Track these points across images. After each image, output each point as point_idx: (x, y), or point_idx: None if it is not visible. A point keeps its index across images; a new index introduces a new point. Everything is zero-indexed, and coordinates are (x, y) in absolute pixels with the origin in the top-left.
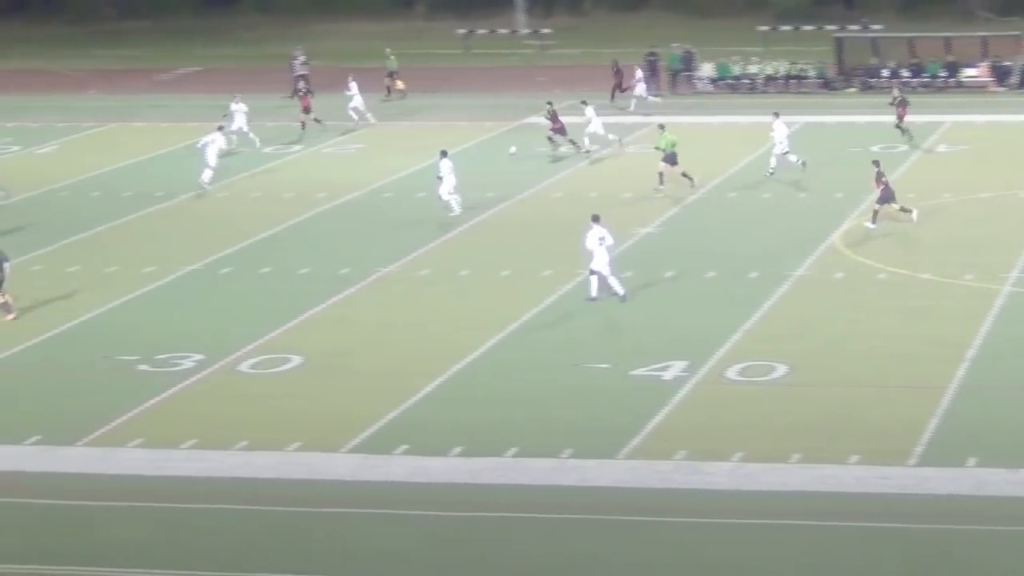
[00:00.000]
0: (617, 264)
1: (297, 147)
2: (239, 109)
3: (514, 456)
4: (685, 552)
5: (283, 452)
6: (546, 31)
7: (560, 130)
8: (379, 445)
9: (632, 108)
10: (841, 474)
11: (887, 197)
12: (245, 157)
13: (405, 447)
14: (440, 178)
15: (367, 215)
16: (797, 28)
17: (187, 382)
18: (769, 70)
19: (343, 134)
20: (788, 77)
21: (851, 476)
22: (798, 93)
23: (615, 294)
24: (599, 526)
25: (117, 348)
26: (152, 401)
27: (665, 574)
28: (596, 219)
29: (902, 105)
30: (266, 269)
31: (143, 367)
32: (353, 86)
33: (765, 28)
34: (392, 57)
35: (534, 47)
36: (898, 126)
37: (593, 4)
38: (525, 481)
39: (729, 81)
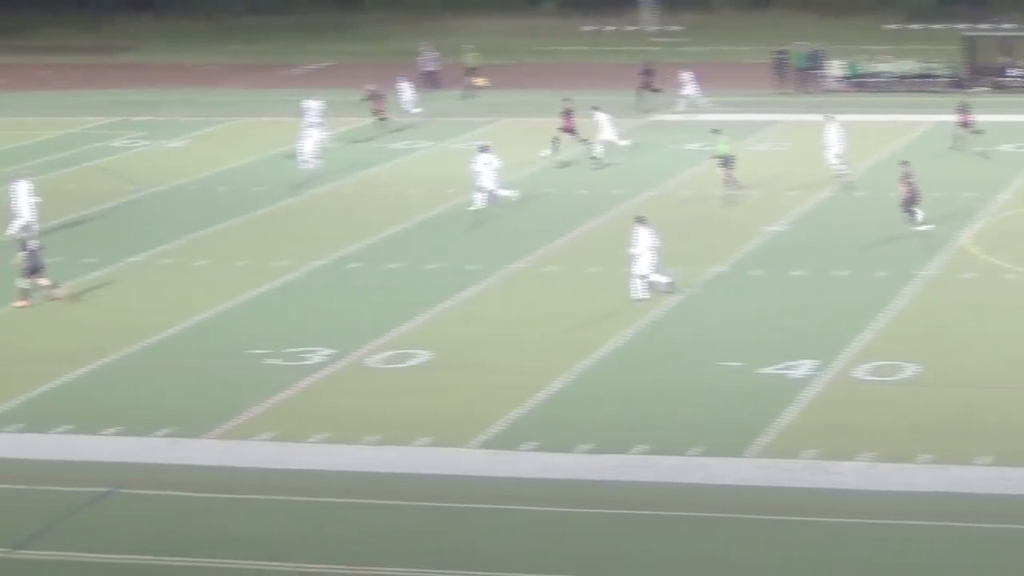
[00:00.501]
0: (746, 262)
1: (427, 142)
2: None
3: (641, 453)
4: (812, 551)
5: (411, 447)
6: (674, 28)
7: (570, 130)
8: (507, 441)
9: (681, 107)
10: (970, 475)
11: (911, 200)
12: (375, 151)
13: (533, 443)
14: (477, 172)
15: (495, 211)
16: (926, 27)
17: (316, 376)
18: (897, 69)
19: (395, 131)
20: (917, 76)
21: (980, 477)
22: (927, 92)
23: (664, 289)
24: (725, 524)
25: (246, 342)
26: (281, 395)
27: (791, 573)
28: (642, 220)
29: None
30: (395, 264)
31: (273, 361)
32: (403, 85)
33: (894, 26)
34: (471, 54)
35: (661, 44)
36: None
37: (721, 1)
38: (652, 479)
39: (857, 80)
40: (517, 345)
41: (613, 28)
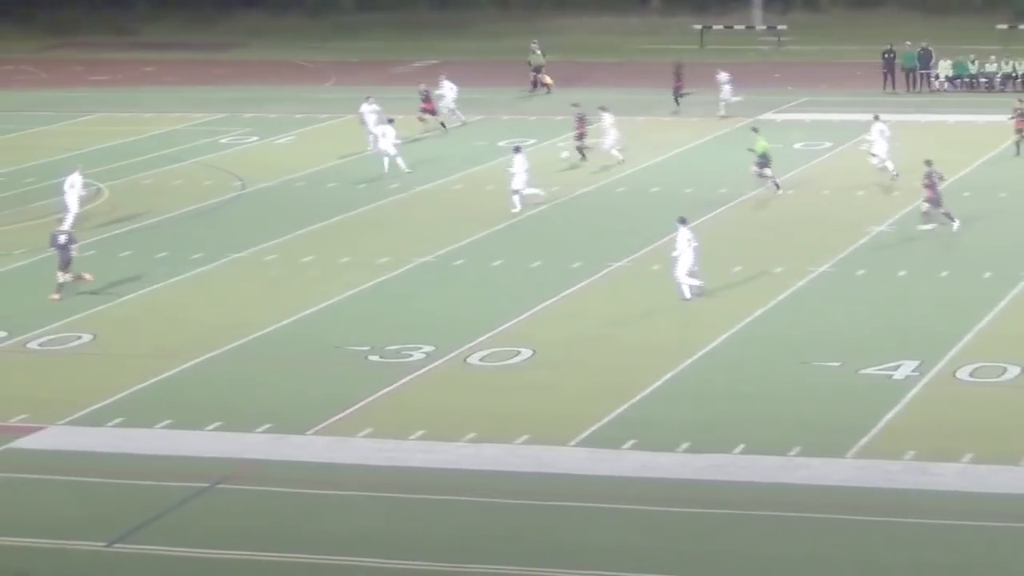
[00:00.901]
0: (851, 262)
1: (532, 140)
2: (371, 110)
3: (741, 453)
4: (912, 553)
5: (511, 444)
6: (782, 27)
7: (580, 136)
8: (607, 439)
9: (722, 111)
10: None
11: (935, 200)
12: (482, 149)
13: (633, 442)
14: (512, 173)
15: (600, 209)
16: None
17: (417, 373)
18: (1007, 69)
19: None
20: None
21: None
22: None
23: (683, 296)
24: (825, 525)
25: (349, 338)
26: (382, 391)
27: (890, 574)
28: (683, 221)
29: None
30: (498, 262)
31: (374, 357)
32: (445, 84)
33: (1003, 26)
34: (538, 52)
35: (770, 43)
36: None
37: (831, 1)
38: (752, 479)
39: (966, 79)
40: (618, 344)
41: (721, 26)
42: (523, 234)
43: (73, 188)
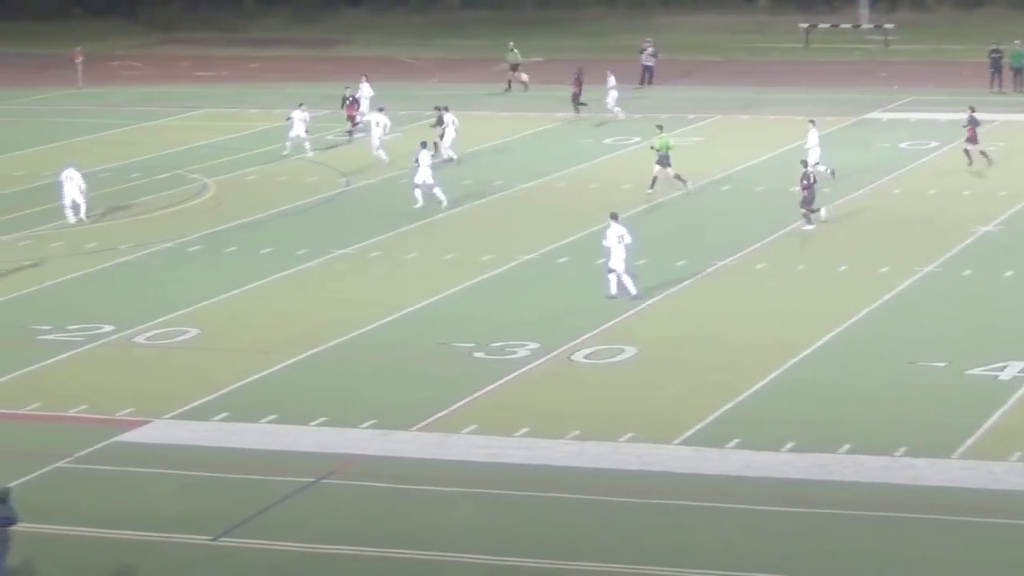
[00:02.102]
0: (957, 262)
1: (636, 138)
2: (299, 117)
3: (847, 453)
4: (1017, 554)
5: (615, 443)
6: (889, 26)
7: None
8: (711, 438)
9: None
10: None
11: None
12: (585, 147)
13: (737, 441)
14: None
15: (705, 208)
16: None
17: (522, 370)
18: None
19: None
20: None
21: None
22: None
23: (628, 293)
24: (930, 526)
25: (453, 335)
26: (486, 388)
27: None
28: (615, 217)
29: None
30: (602, 260)
31: (478, 354)
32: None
33: None
34: (515, 51)
35: (876, 42)
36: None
37: (938, 0)
38: (857, 478)
39: None
40: (723, 342)
41: (827, 25)
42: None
43: (71, 181)
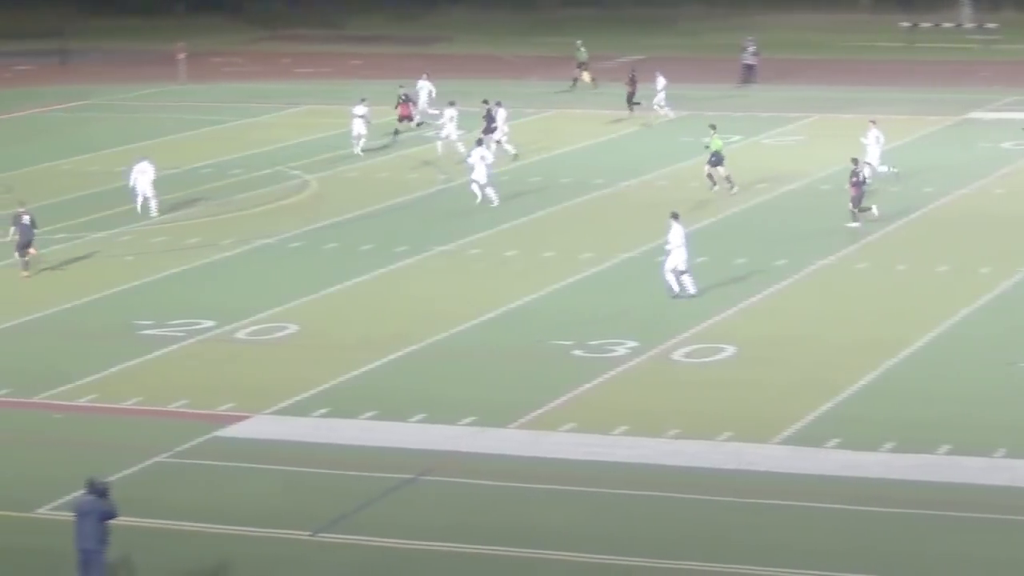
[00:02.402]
0: None
1: (736, 137)
2: (359, 113)
3: (946, 454)
4: None
5: (713, 441)
6: (991, 26)
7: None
8: (810, 438)
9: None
10: None
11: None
12: (687, 145)
13: (836, 441)
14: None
15: (805, 207)
16: None
17: (620, 368)
18: None
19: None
20: None
21: None
22: None
23: (687, 292)
24: None
25: (552, 332)
26: (585, 386)
27: None
28: (676, 216)
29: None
30: (702, 258)
31: (577, 352)
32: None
33: None
34: (582, 49)
35: (979, 42)
36: None
37: None
38: (956, 479)
39: None
40: (822, 342)
41: (929, 24)
42: (727, 231)
43: (144, 174)
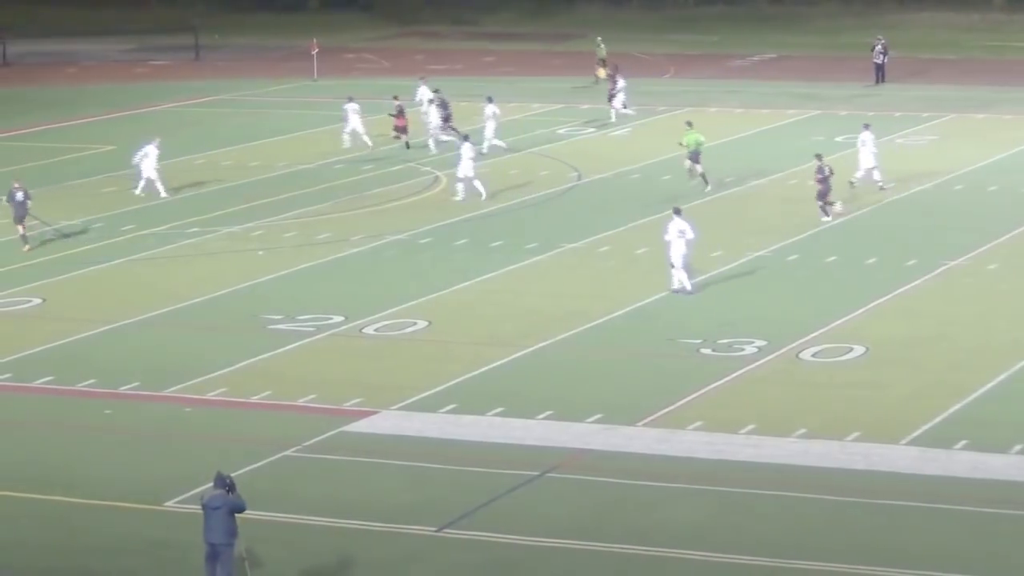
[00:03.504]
0: None
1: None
2: (352, 109)
3: None
4: None
5: (841, 442)
6: None
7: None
8: (938, 439)
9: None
10: None
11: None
12: (816, 144)
13: (965, 442)
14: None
15: (936, 207)
16: None
17: (749, 367)
18: None
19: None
20: None
21: None
22: None
23: (684, 289)
24: None
25: (681, 331)
26: (713, 385)
27: None
28: (678, 211)
29: None
30: (832, 258)
31: (706, 351)
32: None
33: None
34: (601, 46)
35: None
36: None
37: None
38: None
39: None
40: (952, 343)
41: None
42: (858, 231)
43: (147, 157)
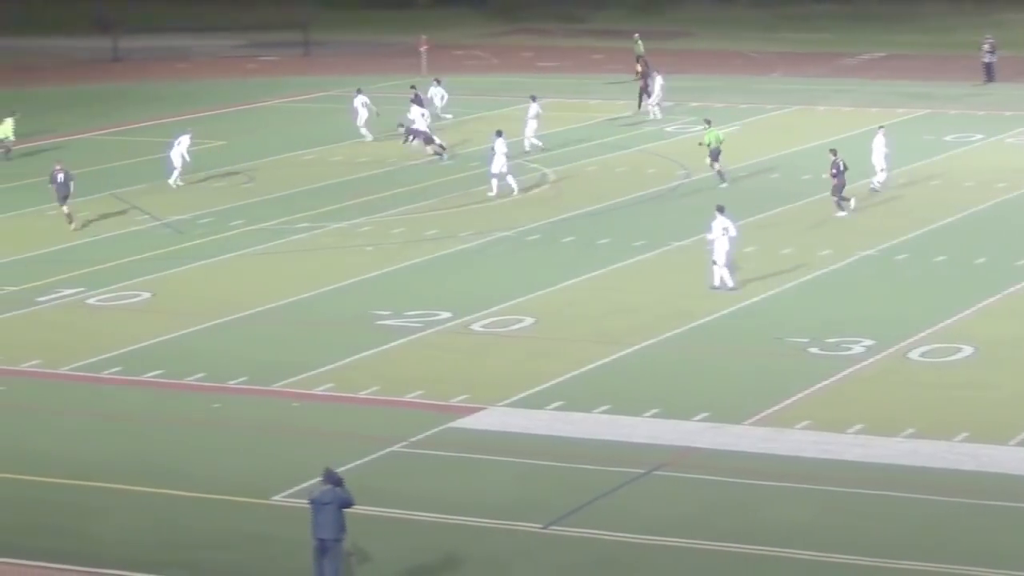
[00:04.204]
0: None
1: (978, 135)
2: (361, 102)
3: None
4: None
5: (949, 442)
6: None
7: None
8: None
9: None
10: None
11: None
12: (925, 144)
13: None
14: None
15: None
16: None
17: (856, 367)
18: None
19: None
20: None
21: None
22: None
23: (726, 286)
24: None
25: (789, 329)
26: (820, 384)
27: None
28: (721, 209)
29: None
30: (941, 257)
31: (813, 350)
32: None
33: None
34: (639, 42)
35: None
36: None
37: None
38: None
39: None
40: None
41: None
42: (968, 230)
43: (180, 145)
